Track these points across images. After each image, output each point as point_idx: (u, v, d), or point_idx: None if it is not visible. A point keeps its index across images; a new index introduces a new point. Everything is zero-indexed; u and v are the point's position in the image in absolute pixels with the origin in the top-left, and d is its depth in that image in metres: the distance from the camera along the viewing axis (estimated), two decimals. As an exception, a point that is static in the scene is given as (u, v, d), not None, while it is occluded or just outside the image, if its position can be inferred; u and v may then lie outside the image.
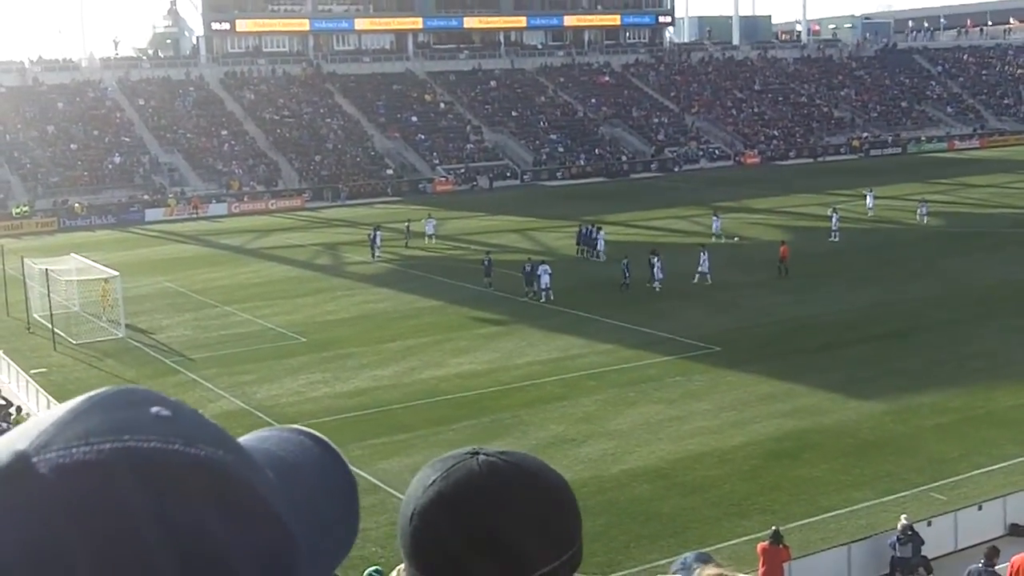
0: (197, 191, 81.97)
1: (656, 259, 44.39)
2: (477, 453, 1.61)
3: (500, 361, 35.01)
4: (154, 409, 1.08)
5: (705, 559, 3.34)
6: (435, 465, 1.61)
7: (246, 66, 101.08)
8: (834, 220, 55.69)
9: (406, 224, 59.95)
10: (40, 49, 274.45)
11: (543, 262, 45.18)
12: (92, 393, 1.10)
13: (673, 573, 3.21)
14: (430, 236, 59.12)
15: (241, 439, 1.22)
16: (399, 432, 28.16)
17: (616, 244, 52.73)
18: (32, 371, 35.08)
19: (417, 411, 29.99)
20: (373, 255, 55.23)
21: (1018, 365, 32.17)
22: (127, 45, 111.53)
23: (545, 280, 43.50)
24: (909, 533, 19.39)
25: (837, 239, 54.34)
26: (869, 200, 63.03)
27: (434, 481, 1.56)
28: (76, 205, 76.35)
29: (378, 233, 56.96)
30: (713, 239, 53.56)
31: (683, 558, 3.34)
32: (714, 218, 57.33)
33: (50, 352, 38.40)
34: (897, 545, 19.29)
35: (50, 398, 31.05)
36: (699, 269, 44.98)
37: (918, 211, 59.87)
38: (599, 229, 54.03)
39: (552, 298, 43.07)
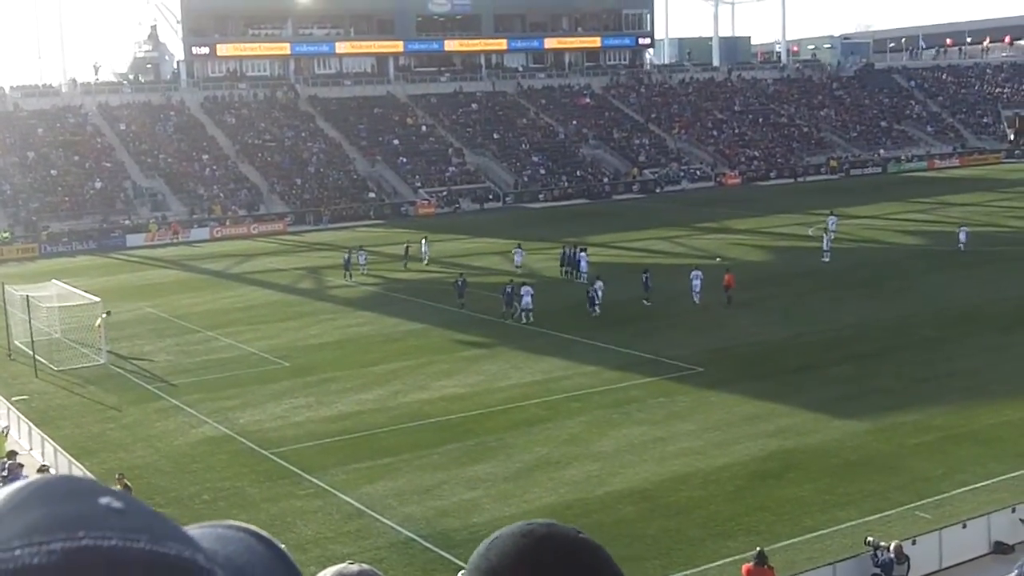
0: (179, 216, 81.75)
1: (599, 284, 44.94)
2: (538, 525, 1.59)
3: (484, 384, 34.96)
4: (104, 500, 0.92)
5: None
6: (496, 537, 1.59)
7: (227, 90, 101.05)
8: (825, 241, 55.78)
9: (405, 247, 60.14)
10: (19, 75, 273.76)
11: (525, 283, 45.28)
12: (27, 481, 0.93)
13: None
14: (422, 259, 59.24)
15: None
16: (384, 456, 28.06)
17: (598, 265, 52.77)
18: (14, 398, 34.86)
19: (401, 435, 29.91)
20: (347, 277, 55.70)
21: (1000, 383, 32.32)
22: (107, 70, 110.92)
23: (527, 301, 43.55)
24: (904, 553, 19.45)
25: (828, 259, 54.37)
26: (831, 223, 61.65)
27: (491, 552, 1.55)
28: (44, 233, 75.66)
29: (363, 254, 57.56)
30: (518, 271, 53.01)
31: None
32: (516, 251, 56.20)
33: (31, 379, 38.17)
34: (894, 565, 19.30)
35: (32, 425, 30.88)
36: (596, 299, 44.32)
37: (959, 236, 56.79)
38: (583, 250, 54.18)
39: (531, 319, 43.11)
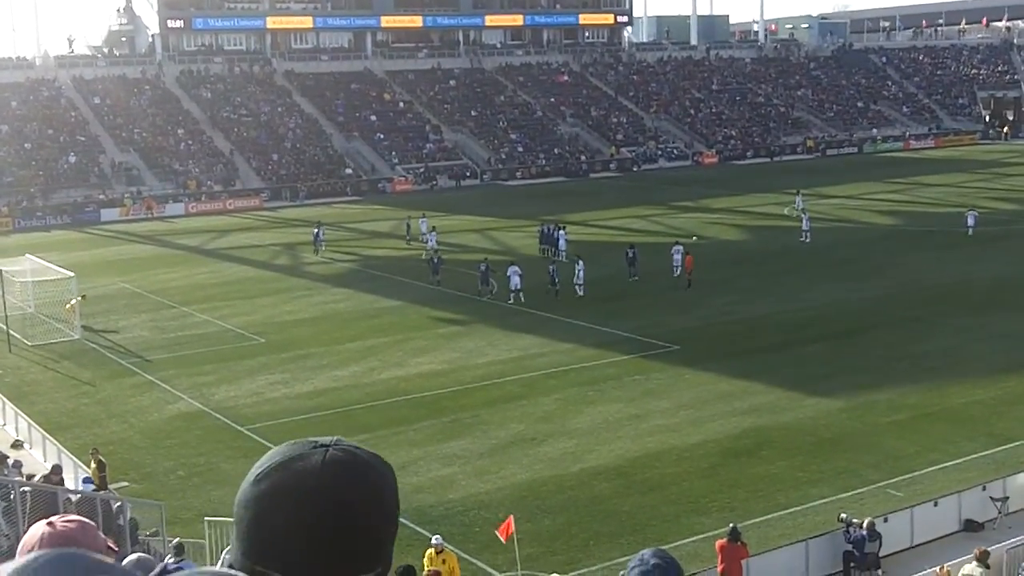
0: (154, 191, 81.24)
1: (579, 263, 44.23)
2: (322, 446, 1.63)
3: (460, 361, 35.00)
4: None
5: (662, 556, 3.38)
6: (275, 454, 1.61)
7: (202, 64, 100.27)
8: (804, 221, 55.73)
9: (406, 223, 59.66)
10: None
11: (512, 263, 44.84)
12: (32, 558, 1.02)
13: (631, 570, 3.24)
14: (422, 236, 58.47)
15: None
16: (359, 433, 28.05)
17: (577, 244, 52.80)
18: (-14, 373, 34.69)
19: (377, 411, 29.94)
20: (316, 252, 56.25)
21: (972, 362, 32.61)
22: (82, 43, 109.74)
23: (516, 281, 42.91)
24: (876, 530, 19.66)
25: (808, 240, 54.48)
26: (798, 202, 62.10)
27: (269, 471, 1.57)
28: (4, 208, 74.90)
29: (321, 229, 58.01)
30: (419, 250, 52.42)
31: (640, 555, 3.38)
32: (431, 234, 55.54)
33: (5, 354, 37.93)
34: (866, 541, 19.49)
35: (5, 400, 30.72)
36: (576, 281, 43.76)
37: (966, 219, 55.04)
38: (561, 228, 54.10)
39: (523, 300, 42.58)
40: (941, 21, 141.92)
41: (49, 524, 2.25)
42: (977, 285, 43.59)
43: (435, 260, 47.32)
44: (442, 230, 60.71)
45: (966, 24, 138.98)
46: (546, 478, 24.55)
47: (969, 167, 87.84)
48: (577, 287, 43.69)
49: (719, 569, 18.53)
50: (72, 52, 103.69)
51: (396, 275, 49.80)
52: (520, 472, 24.94)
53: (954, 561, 18.39)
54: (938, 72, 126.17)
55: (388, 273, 50.62)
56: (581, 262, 44.31)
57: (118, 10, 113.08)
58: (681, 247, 46.63)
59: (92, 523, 2.68)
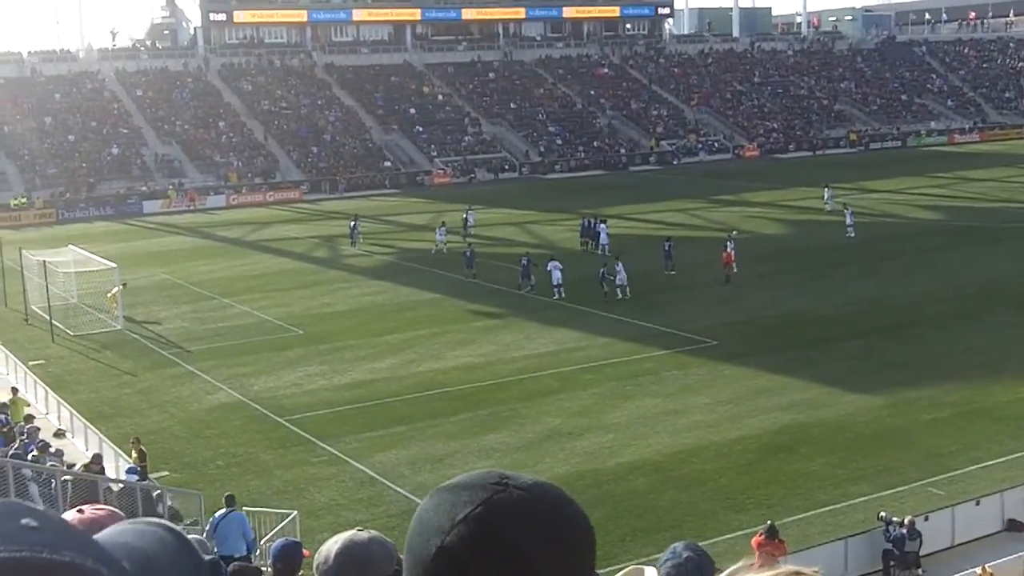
0: (195, 183, 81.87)
1: (619, 264, 42.72)
2: (507, 484, 1.59)
3: (497, 354, 35.00)
4: (24, 520, 1.21)
5: (694, 549, 3.36)
6: (457, 493, 1.58)
7: (243, 57, 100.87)
8: (848, 216, 54.95)
9: (464, 217, 59.56)
10: (38, 40, 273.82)
11: (552, 258, 44.35)
12: None
13: (663, 563, 3.21)
14: (470, 227, 58.41)
15: (103, 534, 1.42)
16: (397, 424, 28.16)
17: (616, 238, 52.58)
18: (30, 362, 35.02)
19: (414, 404, 29.99)
20: (353, 244, 56.47)
21: (1016, 360, 32.18)
22: (125, 36, 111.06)
23: (557, 276, 42.42)
24: (916, 528, 19.47)
25: (853, 235, 53.62)
26: (826, 195, 62.15)
27: (467, 515, 1.53)
28: (38, 200, 75.78)
29: (357, 222, 58.14)
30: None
31: (673, 548, 3.35)
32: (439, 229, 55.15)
33: (48, 343, 38.37)
34: (907, 540, 19.31)
35: (48, 389, 31.07)
36: (618, 282, 42.07)
37: None
38: (602, 222, 53.79)
39: (563, 295, 42.13)
40: (989, 13, 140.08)
41: (79, 511, 2.27)
42: (1022, 281, 42.96)
43: (468, 254, 47.32)
44: (481, 223, 60.82)
45: (1014, 16, 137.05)
46: (583, 472, 24.51)
47: (1015, 162, 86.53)
48: (619, 290, 42.04)
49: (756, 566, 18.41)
50: (115, 45, 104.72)
51: (433, 268, 49.87)
52: (556, 466, 24.91)
53: (996, 562, 18.19)
54: (984, 65, 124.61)
55: (425, 266, 50.72)
56: (620, 264, 42.65)
57: (159, 5, 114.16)
58: (731, 242, 46.35)
59: (122, 513, 2.70)
